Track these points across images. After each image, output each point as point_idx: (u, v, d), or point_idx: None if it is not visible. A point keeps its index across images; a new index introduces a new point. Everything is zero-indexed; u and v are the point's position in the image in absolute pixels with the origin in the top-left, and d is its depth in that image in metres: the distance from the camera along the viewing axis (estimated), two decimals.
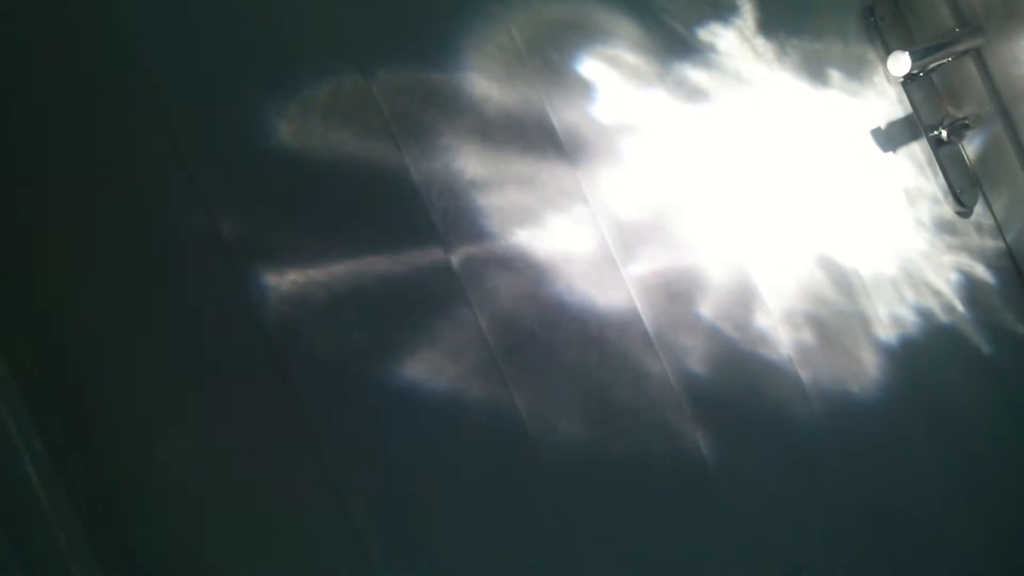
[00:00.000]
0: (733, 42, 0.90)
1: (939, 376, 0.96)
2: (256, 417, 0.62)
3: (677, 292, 0.80)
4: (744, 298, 0.83)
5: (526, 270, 0.74)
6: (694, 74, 0.86)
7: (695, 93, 0.86)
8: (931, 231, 1.00)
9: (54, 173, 0.62)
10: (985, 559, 0.93)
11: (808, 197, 0.91)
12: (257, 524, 0.61)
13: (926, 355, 0.95)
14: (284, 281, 0.64)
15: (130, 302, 0.61)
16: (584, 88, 0.80)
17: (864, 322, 0.90)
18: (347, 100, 0.69)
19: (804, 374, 0.85)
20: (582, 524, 0.70)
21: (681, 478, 0.76)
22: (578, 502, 0.70)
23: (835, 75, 0.97)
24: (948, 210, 1.03)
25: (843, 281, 0.90)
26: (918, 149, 1.03)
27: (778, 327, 0.84)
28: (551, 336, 0.73)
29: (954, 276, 1.01)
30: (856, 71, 1.00)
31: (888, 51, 1.01)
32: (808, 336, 0.86)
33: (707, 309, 0.81)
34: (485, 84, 0.75)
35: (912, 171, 1.02)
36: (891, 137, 1.01)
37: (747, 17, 0.92)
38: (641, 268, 0.79)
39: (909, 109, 1.03)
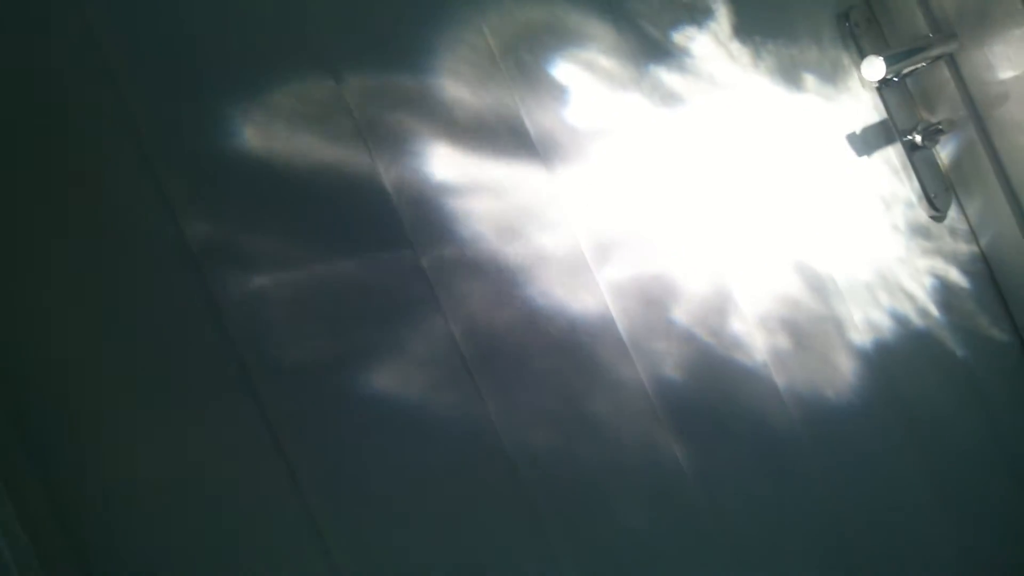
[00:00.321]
0: (708, 46, 0.90)
1: (914, 380, 0.96)
2: (221, 425, 0.61)
3: (652, 298, 0.80)
4: (719, 303, 0.83)
5: (499, 276, 0.73)
6: (669, 78, 0.86)
7: (670, 97, 0.86)
8: (906, 235, 1.01)
9: (19, 174, 0.61)
10: (960, 561, 0.93)
11: (783, 202, 0.91)
12: (222, 533, 0.60)
13: (901, 359, 0.95)
14: (250, 286, 0.63)
15: (93, 304, 0.60)
16: (558, 92, 0.79)
17: (839, 327, 0.90)
18: (316, 103, 0.68)
19: (780, 379, 0.84)
20: (556, 533, 0.70)
21: (656, 485, 0.76)
22: (552, 511, 0.70)
23: (810, 80, 0.97)
24: (922, 214, 1.03)
25: (818, 286, 0.90)
26: (893, 154, 1.03)
27: (753, 332, 0.84)
28: (524, 342, 0.73)
29: (929, 280, 1.01)
30: (831, 76, 1.00)
31: (863, 56, 1.01)
32: (783, 341, 0.86)
33: (682, 315, 0.81)
34: (458, 87, 0.74)
35: (887, 176, 1.02)
36: (866, 142, 1.01)
37: (722, 21, 0.91)
38: (615, 273, 0.78)
39: (884, 114, 1.04)
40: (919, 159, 1.05)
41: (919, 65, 1.02)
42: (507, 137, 0.76)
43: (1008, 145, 1.06)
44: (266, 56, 0.67)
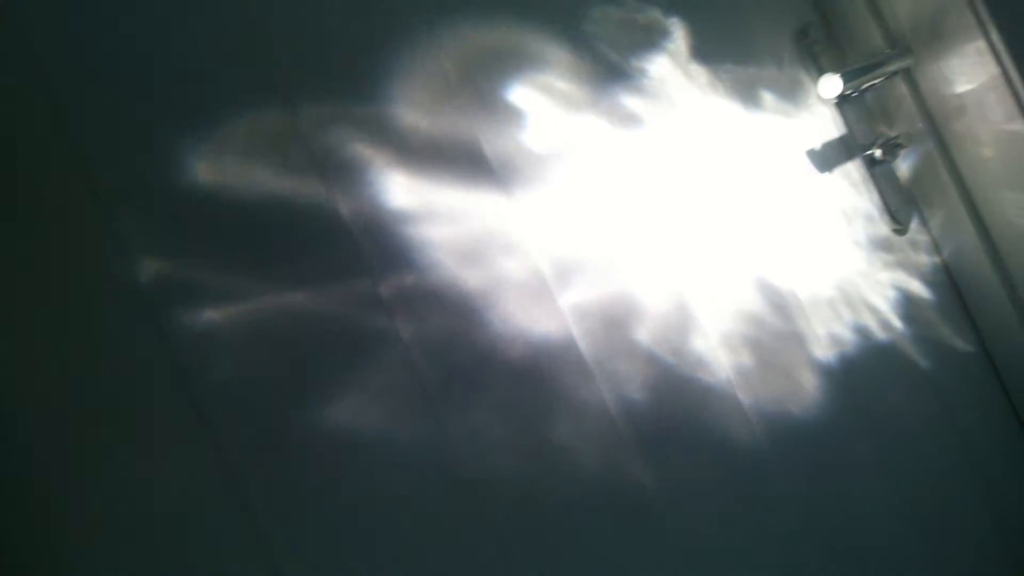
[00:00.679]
0: (666, 67, 0.90)
1: (879, 392, 0.97)
2: (175, 462, 0.60)
3: (614, 319, 0.80)
4: (682, 323, 0.83)
5: (459, 302, 0.73)
6: (627, 100, 0.86)
7: (628, 119, 0.86)
8: (867, 249, 1.02)
9: None
10: (926, 572, 0.93)
11: (744, 220, 0.91)
12: (175, 566, 0.59)
13: (866, 372, 0.96)
14: (203, 320, 0.62)
15: (43, 340, 0.59)
16: (516, 116, 0.80)
17: (802, 342, 0.91)
18: (271, 134, 0.68)
19: (744, 397, 0.85)
20: (520, 560, 0.69)
21: (622, 507, 0.76)
22: (517, 538, 0.69)
23: (769, 98, 0.98)
24: (884, 228, 1.05)
25: (780, 302, 0.91)
26: (853, 169, 1.04)
27: (717, 350, 0.84)
28: (486, 368, 0.72)
29: (891, 293, 1.02)
30: (790, 93, 1.01)
31: (821, 72, 1.02)
32: (747, 359, 0.86)
33: (645, 335, 0.81)
34: (415, 115, 0.74)
35: (848, 191, 1.03)
36: (826, 158, 1.02)
37: (680, 42, 0.92)
38: (577, 296, 0.78)
39: (843, 129, 1.05)
40: (879, 173, 1.06)
41: (876, 81, 1.03)
42: (465, 163, 0.76)
43: (966, 157, 1.07)
44: (219, 88, 0.67)
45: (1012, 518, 1.03)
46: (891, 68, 1.03)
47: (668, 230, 0.85)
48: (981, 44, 1.00)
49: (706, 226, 0.88)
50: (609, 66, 0.86)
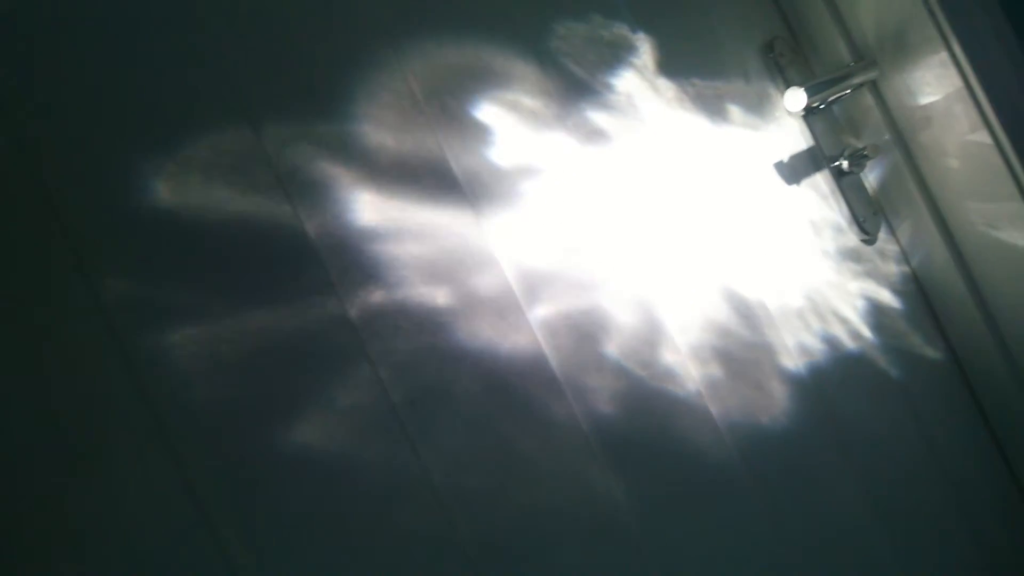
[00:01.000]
0: (633, 82, 0.91)
1: (850, 402, 0.98)
2: (138, 481, 0.60)
3: (584, 333, 0.80)
4: (651, 336, 0.84)
5: (428, 320, 0.73)
6: (594, 115, 0.87)
7: (596, 134, 0.87)
8: (836, 260, 1.03)
9: None
10: None
11: (713, 233, 0.92)
12: None
13: (836, 382, 0.97)
14: (166, 341, 0.62)
15: (2, 361, 0.59)
16: (483, 133, 0.80)
17: (772, 353, 0.92)
18: (234, 154, 0.68)
19: (714, 408, 0.85)
20: None
21: (594, 521, 0.76)
22: (488, 555, 0.69)
23: (736, 111, 0.99)
24: (852, 238, 1.06)
25: (749, 314, 0.91)
26: (821, 180, 1.06)
27: (686, 363, 0.85)
28: (455, 385, 0.73)
29: (861, 303, 1.03)
30: (757, 106, 1.02)
31: (788, 85, 1.04)
32: (717, 370, 0.87)
33: (615, 349, 0.81)
34: (381, 133, 0.75)
35: (816, 202, 1.04)
36: (794, 169, 1.03)
37: (646, 57, 0.93)
38: (546, 311, 0.79)
39: (811, 141, 1.06)
40: (847, 184, 1.07)
41: (842, 93, 1.04)
42: (432, 180, 0.76)
43: (932, 167, 1.09)
44: (181, 107, 0.67)
45: (981, 521, 1.04)
46: (857, 80, 1.05)
47: (637, 244, 0.86)
48: (944, 56, 1.02)
49: (675, 240, 0.89)
50: (576, 82, 0.87)
